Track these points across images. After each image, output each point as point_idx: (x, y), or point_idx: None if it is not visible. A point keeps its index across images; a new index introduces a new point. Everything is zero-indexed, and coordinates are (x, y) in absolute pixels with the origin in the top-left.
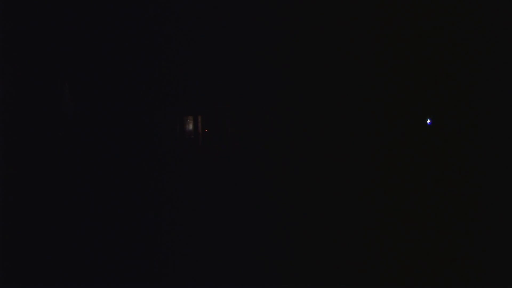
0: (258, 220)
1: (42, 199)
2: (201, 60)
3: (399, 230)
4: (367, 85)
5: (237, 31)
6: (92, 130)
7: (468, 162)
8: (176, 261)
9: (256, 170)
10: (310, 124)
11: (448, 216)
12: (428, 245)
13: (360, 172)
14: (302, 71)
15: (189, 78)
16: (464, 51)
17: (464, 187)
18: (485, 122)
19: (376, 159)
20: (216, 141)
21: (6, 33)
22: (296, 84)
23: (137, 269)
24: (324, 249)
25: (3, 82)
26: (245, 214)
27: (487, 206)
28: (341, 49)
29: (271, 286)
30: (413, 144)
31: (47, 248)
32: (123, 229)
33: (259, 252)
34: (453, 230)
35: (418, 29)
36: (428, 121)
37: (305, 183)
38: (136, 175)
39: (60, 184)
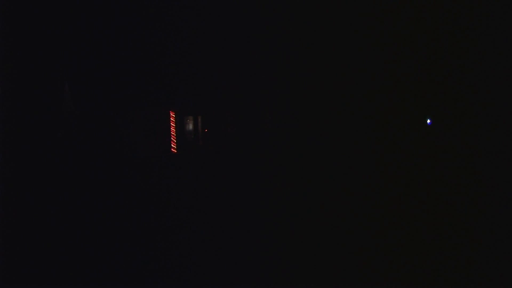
0: (258, 219)
1: (42, 199)
2: (201, 60)
3: (399, 229)
4: (367, 85)
5: (238, 32)
6: (92, 130)
7: (467, 162)
8: (176, 261)
9: (256, 169)
10: (310, 124)
11: (448, 215)
12: (428, 245)
13: (360, 172)
14: (302, 71)
15: (189, 78)
16: (464, 51)
17: (464, 187)
18: (485, 122)
19: (376, 159)
20: (216, 141)
21: (6, 33)
22: (296, 84)
23: (137, 269)
24: (324, 249)
25: (3, 82)
26: (245, 214)
27: (487, 206)
28: (341, 49)
29: (271, 286)
30: (413, 144)
31: (47, 248)
32: (123, 228)
33: (259, 252)
34: (453, 230)
35: (418, 29)
36: (428, 121)
37: (305, 183)
38: (136, 174)
39: (60, 183)
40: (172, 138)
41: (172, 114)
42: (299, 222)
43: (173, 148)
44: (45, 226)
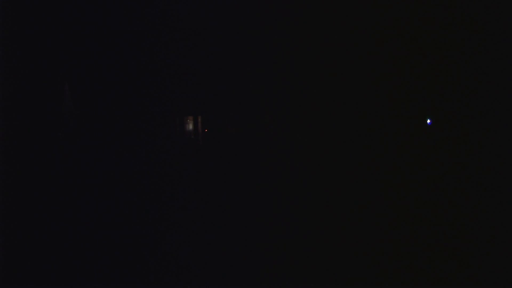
0: (258, 219)
1: (42, 199)
2: (201, 60)
3: (399, 229)
4: (368, 86)
5: (238, 32)
6: (92, 130)
7: (467, 162)
8: (176, 261)
9: (256, 170)
10: (310, 124)
11: (448, 215)
12: (428, 245)
13: (360, 172)
14: (302, 72)
15: (189, 78)
16: (464, 51)
17: (464, 187)
18: (485, 122)
19: (376, 158)
20: (216, 141)
21: (7, 33)
22: (296, 84)
23: (137, 269)
24: (324, 249)
25: (3, 82)
26: (245, 214)
27: (487, 206)
28: (341, 50)
29: (272, 286)
30: (413, 144)
31: (47, 248)
32: (123, 228)
33: (259, 252)
34: (453, 230)
35: (418, 29)
36: (428, 121)
37: (305, 183)
38: (136, 174)
39: (60, 183)
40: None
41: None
42: (300, 222)
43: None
44: (45, 226)
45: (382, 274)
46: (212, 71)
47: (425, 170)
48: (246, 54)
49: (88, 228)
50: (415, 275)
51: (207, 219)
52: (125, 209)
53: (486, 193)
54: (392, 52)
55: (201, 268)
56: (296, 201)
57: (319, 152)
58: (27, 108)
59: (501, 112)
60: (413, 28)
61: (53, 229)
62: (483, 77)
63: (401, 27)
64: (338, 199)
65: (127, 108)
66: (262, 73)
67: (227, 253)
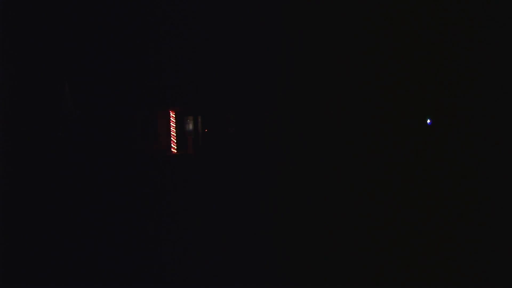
0: (258, 219)
1: (42, 199)
2: (201, 61)
3: (399, 229)
4: (368, 86)
5: (238, 32)
6: (91, 130)
7: (467, 162)
8: (175, 261)
9: (256, 170)
10: (310, 124)
11: (448, 215)
12: (428, 245)
13: (360, 172)
14: (302, 72)
15: (189, 78)
16: (465, 51)
17: (463, 186)
18: (485, 122)
19: (376, 158)
20: (216, 141)
21: (7, 33)
22: (296, 84)
23: (136, 269)
24: (324, 249)
25: (3, 83)
26: (245, 214)
27: (487, 206)
28: (341, 50)
29: (272, 286)
30: (413, 144)
31: (47, 248)
32: (123, 228)
33: (259, 252)
34: (453, 230)
35: (418, 30)
36: (428, 121)
37: (305, 183)
38: (136, 174)
39: (60, 183)
40: (172, 138)
41: (172, 114)
42: (299, 223)
43: (173, 148)
44: (45, 226)
45: (381, 274)
46: (212, 72)
47: (425, 170)
48: (247, 54)
49: (88, 228)
50: (415, 275)
51: (206, 219)
52: (124, 209)
53: (486, 192)
54: (392, 52)
55: (201, 268)
56: (297, 201)
57: (320, 152)
58: (27, 108)
59: (501, 111)
60: (413, 29)
61: (53, 229)
62: (483, 77)
63: (401, 28)
64: (338, 198)
65: (127, 108)
66: (262, 74)
67: (227, 253)
